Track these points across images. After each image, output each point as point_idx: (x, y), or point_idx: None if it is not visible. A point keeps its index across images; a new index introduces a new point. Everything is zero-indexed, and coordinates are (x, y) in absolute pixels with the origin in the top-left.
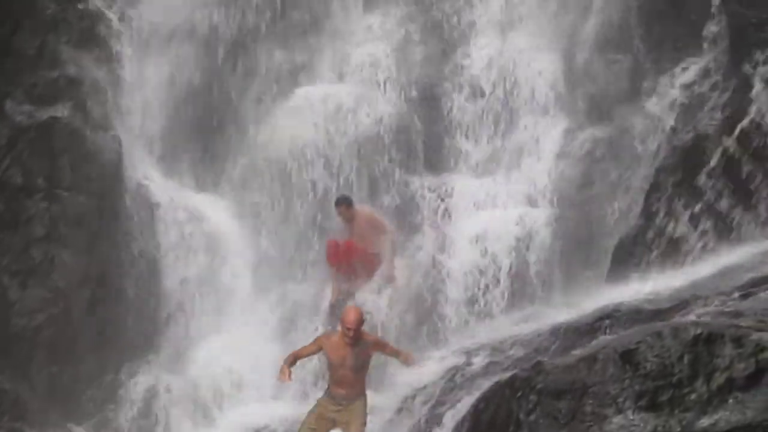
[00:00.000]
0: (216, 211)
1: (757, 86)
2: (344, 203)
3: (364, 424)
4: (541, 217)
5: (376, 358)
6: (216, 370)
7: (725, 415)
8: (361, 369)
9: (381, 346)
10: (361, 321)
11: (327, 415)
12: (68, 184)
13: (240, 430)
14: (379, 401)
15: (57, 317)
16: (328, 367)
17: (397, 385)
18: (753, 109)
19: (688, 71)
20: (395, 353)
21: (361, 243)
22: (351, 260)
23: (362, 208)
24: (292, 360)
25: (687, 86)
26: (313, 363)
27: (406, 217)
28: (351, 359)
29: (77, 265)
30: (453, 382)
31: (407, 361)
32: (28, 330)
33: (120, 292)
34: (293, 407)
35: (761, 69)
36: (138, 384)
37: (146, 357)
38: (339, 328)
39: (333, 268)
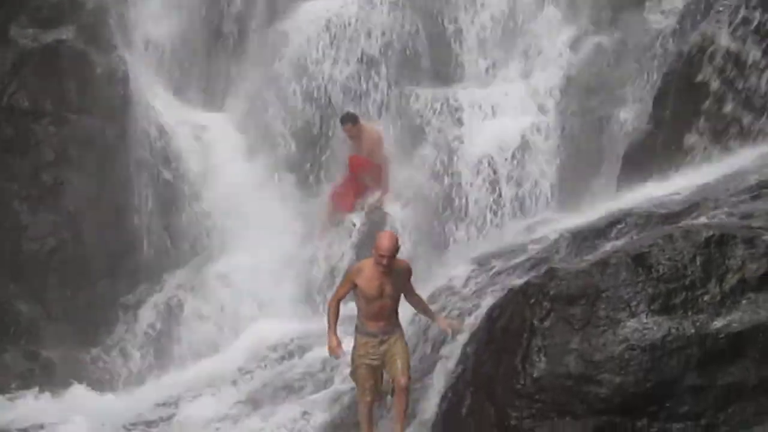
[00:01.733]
0: (226, 130)
1: None
2: (349, 121)
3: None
4: (548, 125)
5: None
6: (232, 288)
7: (738, 315)
8: (397, 298)
9: (409, 285)
10: (396, 247)
11: (374, 362)
12: (76, 107)
13: (256, 347)
14: None
15: (68, 241)
16: (362, 301)
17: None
18: (757, 13)
19: None
20: (428, 312)
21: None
22: (357, 172)
23: (369, 125)
24: (335, 318)
25: None
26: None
27: (414, 129)
28: (388, 288)
29: (88, 189)
30: (466, 290)
31: (452, 327)
32: (40, 254)
33: (132, 213)
34: (310, 324)
35: None
36: (153, 304)
37: (161, 277)
38: (372, 255)
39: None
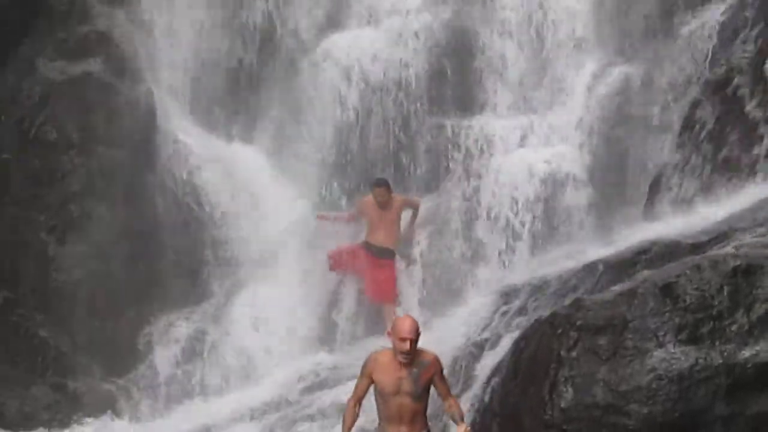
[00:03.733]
0: (251, 162)
1: None
2: (386, 185)
3: None
4: (574, 155)
5: None
6: (257, 321)
7: (766, 345)
8: (422, 396)
9: (441, 377)
10: (417, 331)
11: None
12: (103, 139)
13: (283, 380)
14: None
15: (96, 272)
16: (380, 399)
17: (438, 326)
18: None
19: (720, 5)
20: (453, 409)
21: (387, 230)
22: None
23: (397, 195)
24: (350, 422)
25: (718, 21)
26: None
27: (438, 160)
28: (409, 384)
29: (115, 219)
30: (492, 321)
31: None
32: (67, 285)
33: (159, 245)
34: (339, 356)
35: None
36: (179, 336)
37: (187, 309)
38: (390, 344)
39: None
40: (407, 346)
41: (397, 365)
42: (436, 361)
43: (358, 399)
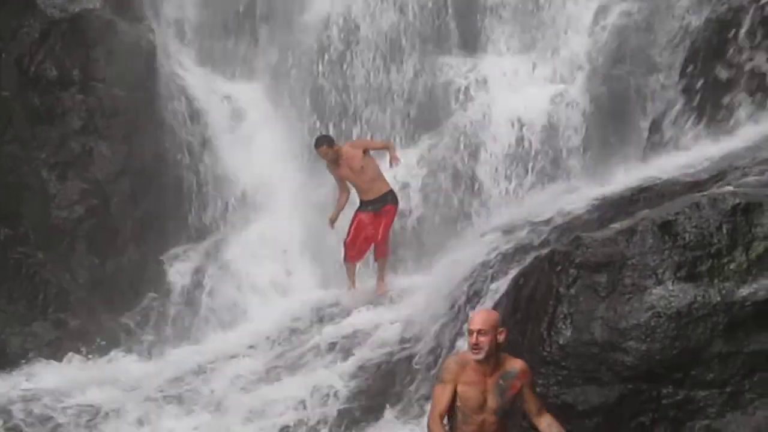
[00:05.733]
0: (252, 99)
1: None
2: (324, 143)
3: None
4: (575, 93)
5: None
6: (257, 258)
7: (764, 283)
8: (508, 414)
9: (531, 389)
10: (493, 323)
11: None
12: (103, 76)
13: (282, 316)
14: (420, 281)
15: (97, 209)
16: (459, 415)
17: (438, 264)
18: None
19: None
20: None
21: (366, 180)
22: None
23: (345, 144)
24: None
25: None
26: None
27: (441, 99)
28: (494, 398)
29: (115, 157)
30: (492, 259)
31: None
32: (68, 222)
33: (160, 182)
34: (338, 295)
35: None
36: (181, 272)
37: (188, 246)
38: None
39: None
40: (474, 339)
41: (480, 375)
42: (526, 370)
43: (442, 412)
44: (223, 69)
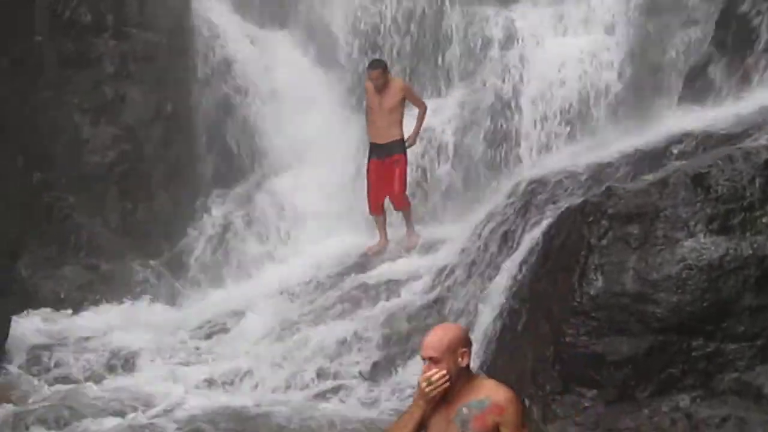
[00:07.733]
0: (288, 47)
1: None
2: (381, 67)
3: None
4: (609, 45)
5: None
6: (289, 205)
7: None
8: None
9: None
10: (444, 346)
11: None
12: (137, 22)
13: (313, 262)
14: (452, 231)
15: (129, 154)
16: None
17: (471, 214)
18: None
19: None
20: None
21: (388, 119)
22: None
23: (398, 78)
24: None
25: None
26: None
27: (475, 50)
28: (455, 428)
29: (148, 103)
30: (524, 208)
31: None
32: (100, 167)
33: (191, 128)
34: (364, 241)
35: None
36: (212, 219)
37: (220, 192)
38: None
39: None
40: (425, 368)
41: (447, 403)
42: (503, 406)
43: None
44: (257, 17)
